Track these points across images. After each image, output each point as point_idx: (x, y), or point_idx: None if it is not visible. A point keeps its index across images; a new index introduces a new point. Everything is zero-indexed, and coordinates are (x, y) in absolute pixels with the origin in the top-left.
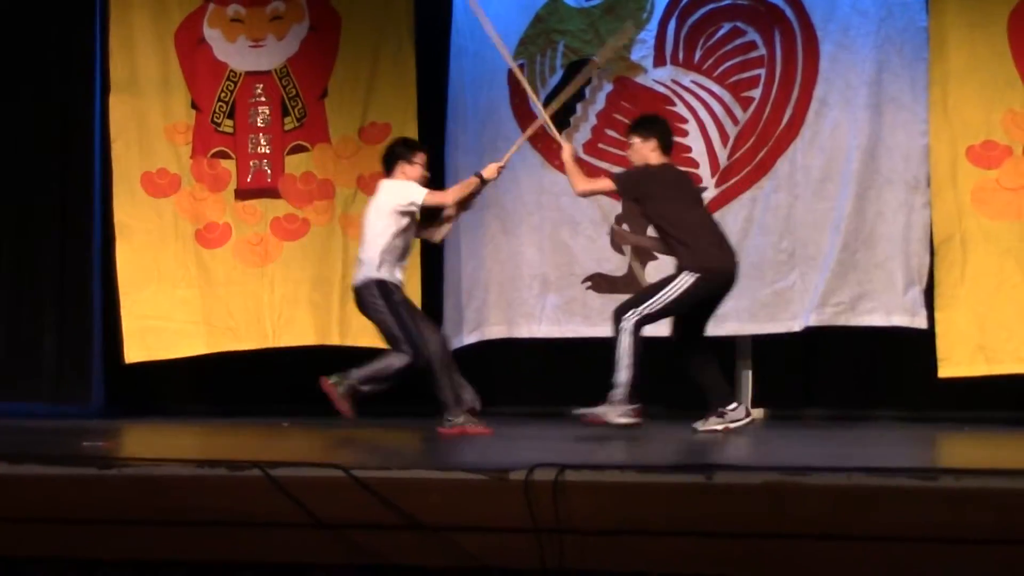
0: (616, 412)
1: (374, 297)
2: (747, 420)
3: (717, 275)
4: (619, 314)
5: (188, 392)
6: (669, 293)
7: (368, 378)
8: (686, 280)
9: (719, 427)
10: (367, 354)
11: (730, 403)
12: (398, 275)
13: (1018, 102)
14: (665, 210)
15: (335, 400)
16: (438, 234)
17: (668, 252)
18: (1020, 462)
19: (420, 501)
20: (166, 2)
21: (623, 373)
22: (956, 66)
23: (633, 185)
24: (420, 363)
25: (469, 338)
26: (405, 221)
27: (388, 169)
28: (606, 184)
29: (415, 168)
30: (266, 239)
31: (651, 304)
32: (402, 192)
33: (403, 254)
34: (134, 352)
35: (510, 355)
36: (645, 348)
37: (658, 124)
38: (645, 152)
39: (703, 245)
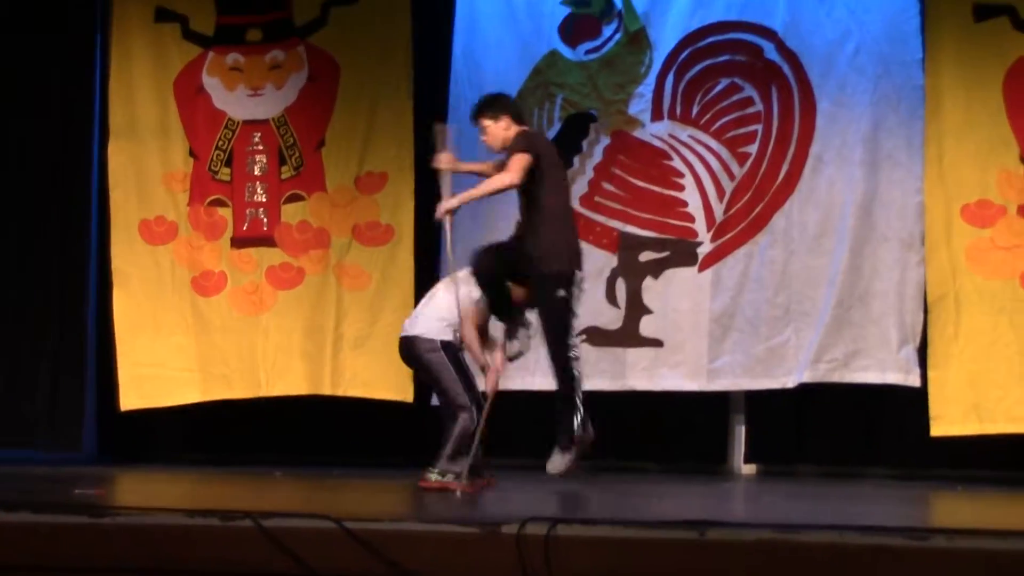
0: (574, 454)
1: (436, 351)
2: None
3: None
4: (562, 360)
5: (181, 440)
6: (575, 310)
7: (454, 454)
8: (577, 289)
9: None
10: (357, 403)
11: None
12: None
13: (1013, 162)
14: (544, 189)
15: (454, 489)
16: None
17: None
18: (1013, 522)
19: (412, 554)
20: (166, 50)
21: (579, 414)
22: (952, 125)
23: (532, 144)
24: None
25: None
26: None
27: None
28: (524, 158)
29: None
30: (261, 287)
31: (573, 334)
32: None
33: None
34: (130, 399)
35: (504, 407)
36: (635, 403)
37: (502, 99)
38: (499, 133)
39: (572, 239)
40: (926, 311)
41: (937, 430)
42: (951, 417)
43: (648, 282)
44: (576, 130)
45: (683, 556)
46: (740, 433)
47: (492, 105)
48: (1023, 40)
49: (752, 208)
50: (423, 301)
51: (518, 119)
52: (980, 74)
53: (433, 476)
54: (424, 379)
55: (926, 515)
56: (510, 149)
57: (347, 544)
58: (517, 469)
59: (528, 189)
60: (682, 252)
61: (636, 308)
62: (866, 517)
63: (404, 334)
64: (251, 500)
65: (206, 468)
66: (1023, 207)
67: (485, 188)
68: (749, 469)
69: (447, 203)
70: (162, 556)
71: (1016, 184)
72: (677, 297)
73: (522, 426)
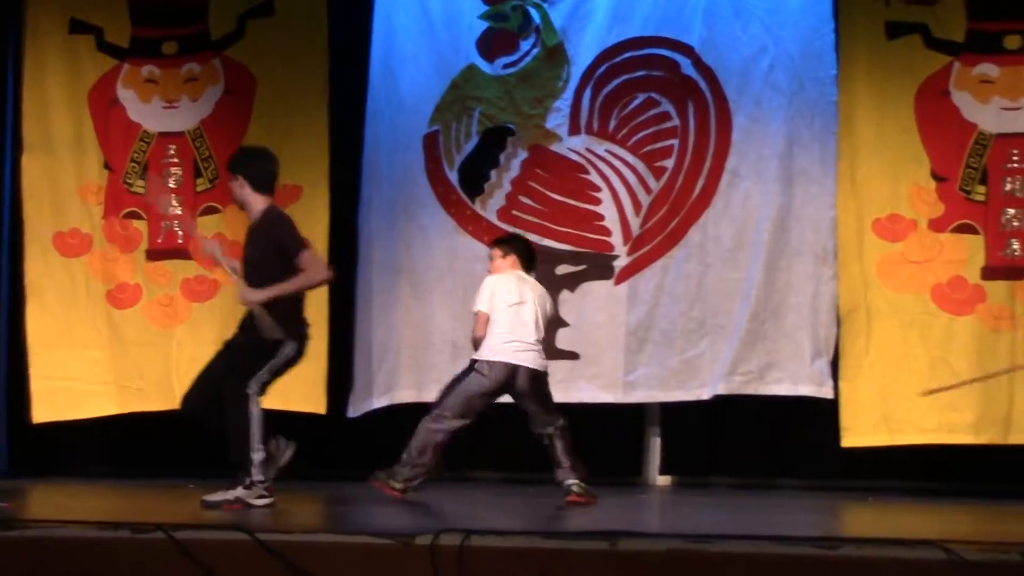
0: (253, 494)
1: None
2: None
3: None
4: (239, 383)
5: (94, 453)
6: (278, 360)
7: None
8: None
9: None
10: (271, 416)
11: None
12: None
13: (923, 177)
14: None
15: (584, 501)
16: None
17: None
18: (920, 531)
19: (326, 565)
20: (80, 62)
21: (260, 451)
22: (864, 141)
23: (298, 236)
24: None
25: (379, 401)
26: None
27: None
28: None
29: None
30: (176, 300)
31: (267, 370)
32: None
33: None
34: (42, 412)
35: (420, 419)
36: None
37: (244, 156)
38: (234, 190)
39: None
40: (839, 324)
41: (848, 441)
42: (862, 428)
43: (565, 295)
44: (494, 144)
45: (596, 566)
46: (655, 445)
47: (233, 160)
48: (934, 58)
49: (668, 222)
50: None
51: (256, 184)
52: (892, 91)
53: (576, 488)
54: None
55: (837, 525)
56: (274, 235)
57: (261, 556)
58: (432, 480)
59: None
60: (599, 265)
61: (552, 321)
62: (778, 527)
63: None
64: (164, 512)
65: (119, 481)
66: (934, 221)
67: (298, 285)
68: (664, 480)
69: (256, 295)
70: (73, 569)
71: (927, 199)
72: (593, 310)
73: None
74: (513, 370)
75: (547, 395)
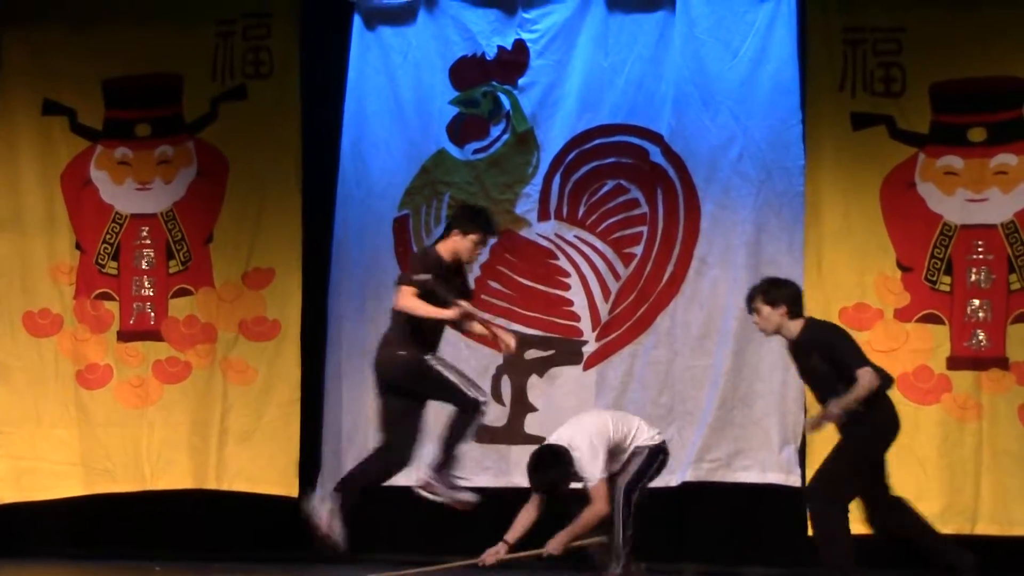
0: None
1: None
2: None
3: None
4: None
5: (60, 534)
6: None
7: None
8: None
9: None
10: (242, 498)
11: None
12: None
13: (890, 266)
14: None
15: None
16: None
17: None
18: None
19: None
20: (54, 142)
21: None
22: (830, 230)
23: None
24: None
25: None
26: None
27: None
28: None
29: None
30: (147, 381)
31: None
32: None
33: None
34: (8, 492)
35: (388, 503)
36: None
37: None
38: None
39: None
40: (806, 412)
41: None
42: None
43: (533, 380)
44: None
45: None
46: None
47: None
48: (900, 149)
49: (637, 308)
50: None
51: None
52: (858, 181)
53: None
54: None
55: None
56: None
57: None
58: (403, 564)
59: None
60: (567, 351)
61: (521, 405)
62: None
63: None
64: None
65: (86, 563)
66: (900, 311)
67: None
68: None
69: None
70: None
71: (893, 288)
72: (562, 395)
73: (408, 523)
74: None
75: None
